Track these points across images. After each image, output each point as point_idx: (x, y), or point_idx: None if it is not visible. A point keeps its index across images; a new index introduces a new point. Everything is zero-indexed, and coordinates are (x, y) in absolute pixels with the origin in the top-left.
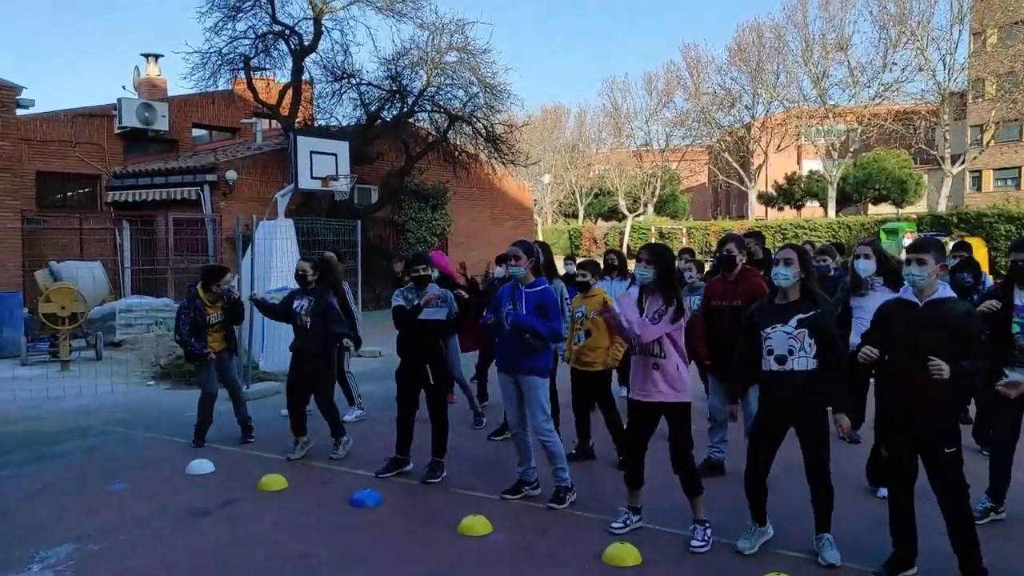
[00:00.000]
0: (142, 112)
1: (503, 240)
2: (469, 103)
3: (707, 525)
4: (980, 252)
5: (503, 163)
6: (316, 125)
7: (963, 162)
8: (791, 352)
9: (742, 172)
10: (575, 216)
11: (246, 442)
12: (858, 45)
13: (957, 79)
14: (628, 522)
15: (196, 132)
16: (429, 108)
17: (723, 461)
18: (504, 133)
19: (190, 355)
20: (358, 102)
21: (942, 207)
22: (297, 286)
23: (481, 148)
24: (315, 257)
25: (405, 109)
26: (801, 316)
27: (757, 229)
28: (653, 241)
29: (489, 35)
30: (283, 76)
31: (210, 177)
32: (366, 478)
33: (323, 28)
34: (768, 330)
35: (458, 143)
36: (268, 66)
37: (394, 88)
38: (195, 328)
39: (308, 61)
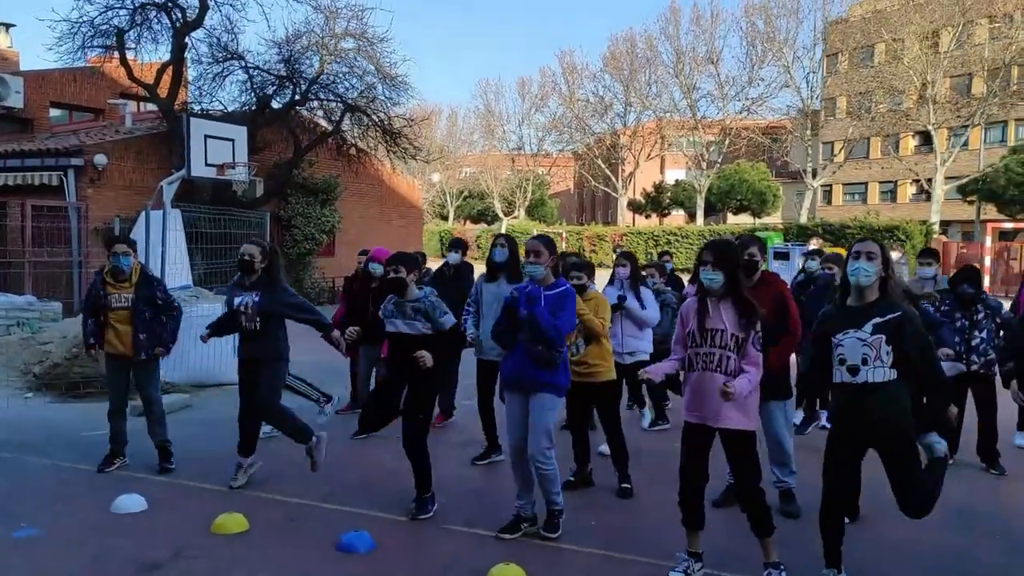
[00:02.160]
0: None
1: (392, 239)
2: (365, 93)
3: (782, 568)
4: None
5: (403, 158)
6: (194, 109)
7: (820, 176)
8: (865, 361)
9: (613, 179)
10: (444, 218)
11: (164, 469)
12: (727, 60)
13: (818, 96)
14: (690, 571)
15: (54, 112)
16: (322, 97)
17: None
18: (404, 127)
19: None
20: (246, 86)
21: (803, 218)
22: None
23: (378, 141)
24: (264, 241)
25: (297, 96)
26: (878, 320)
27: (751, 234)
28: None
29: (389, 23)
30: (159, 54)
31: (75, 161)
32: (342, 515)
33: (209, 2)
34: (840, 336)
35: (353, 135)
36: (145, 38)
37: (285, 73)
38: (92, 308)
39: (191, 39)
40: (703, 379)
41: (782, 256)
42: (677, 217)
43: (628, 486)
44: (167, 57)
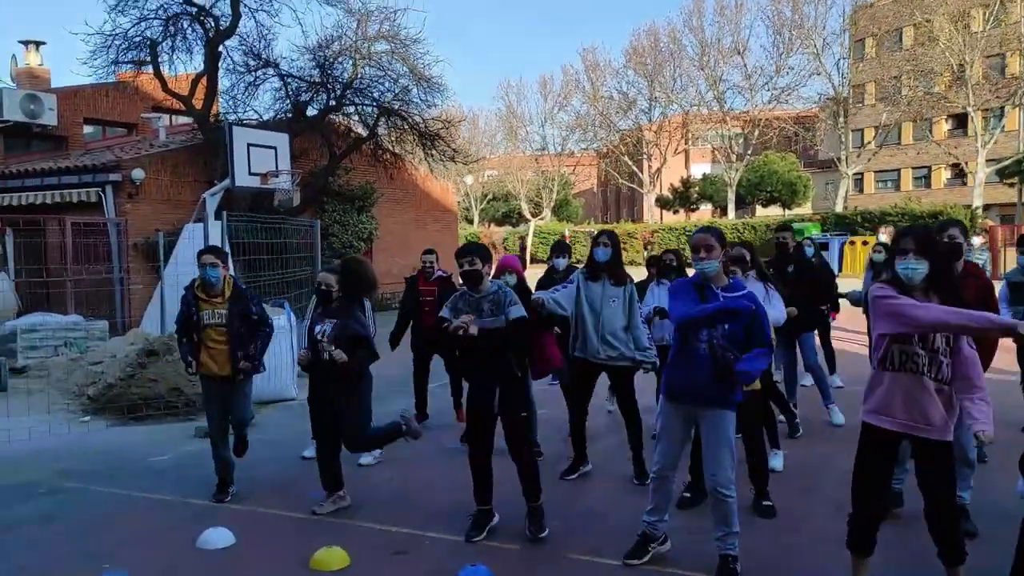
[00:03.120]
0: (27, 104)
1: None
2: (400, 96)
3: None
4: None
5: (441, 161)
6: (228, 119)
7: (855, 164)
8: None
9: (641, 175)
10: (469, 221)
11: (220, 500)
12: (754, 50)
13: (849, 82)
14: None
15: (87, 128)
16: (357, 101)
17: (902, 492)
18: (441, 129)
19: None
20: (280, 94)
21: (839, 207)
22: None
23: (415, 145)
24: (337, 266)
25: (332, 102)
26: None
27: (785, 222)
28: (916, 226)
29: (422, 23)
30: (192, 66)
31: (113, 177)
32: (450, 545)
33: (242, 9)
34: None
35: (390, 140)
36: (179, 49)
37: (319, 79)
38: (186, 326)
39: (225, 48)
40: (911, 384)
41: (822, 247)
42: (704, 212)
43: (770, 504)
44: (200, 68)
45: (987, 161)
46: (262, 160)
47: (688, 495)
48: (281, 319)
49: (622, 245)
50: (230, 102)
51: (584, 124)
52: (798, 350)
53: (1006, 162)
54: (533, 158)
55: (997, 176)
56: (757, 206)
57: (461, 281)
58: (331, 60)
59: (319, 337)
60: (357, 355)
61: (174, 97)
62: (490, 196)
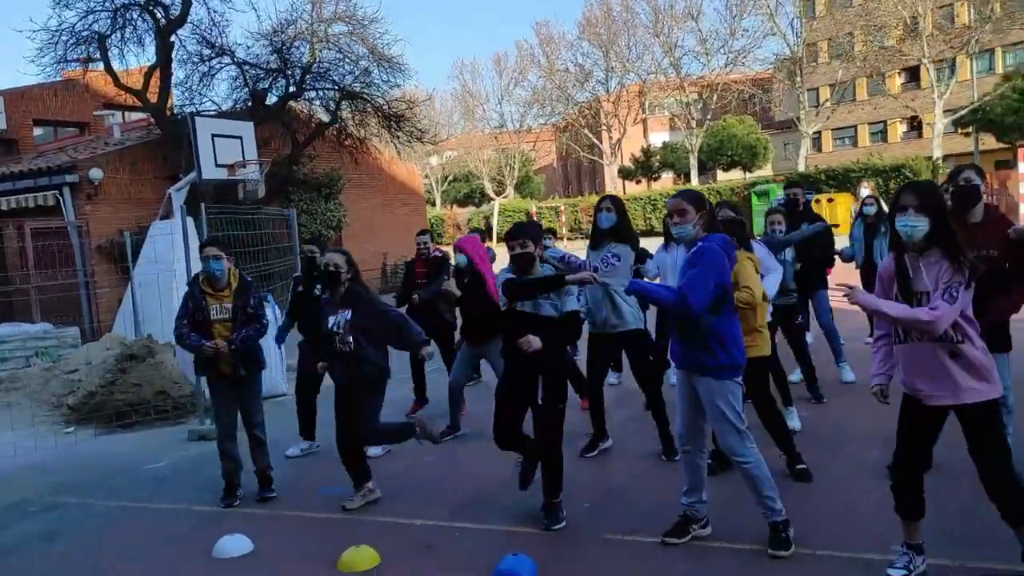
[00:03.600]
0: None
1: (397, 229)
2: (360, 78)
3: None
4: (846, 207)
5: (408, 142)
6: (181, 112)
7: (814, 123)
8: None
9: (602, 146)
10: (432, 204)
11: (265, 499)
12: (708, 14)
13: (804, 42)
14: (912, 567)
15: (37, 131)
16: (318, 86)
17: None
18: (405, 110)
19: (197, 359)
20: (238, 82)
21: (801, 167)
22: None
23: (381, 127)
24: (342, 249)
25: (292, 88)
26: None
27: (794, 179)
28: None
29: (379, 3)
30: (144, 58)
31: (69, 178)
32: (482, 534)
33: None
34: None
35: (353, 124)
36: (130, 41)
37: (277, 66)
38: (194, 324)
39: (178, 37)
40: (920, 352)
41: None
42: (666, 180)
43: (804, 467)
44: (153, 60)
45: (944, 112)
46: (228, 151)
47: (710, 462)
48: (267, 313)
49: (589, 219)
50: (185, 94)
51: (542, 99)
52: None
53: (962, 112)
54: (493, 136)
55: (953, 126)
56: (718, 171)
57: (511, 265)
58: (288, 45)
59: (336, 329)
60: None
61: (127, 92)
62: (451, 177)
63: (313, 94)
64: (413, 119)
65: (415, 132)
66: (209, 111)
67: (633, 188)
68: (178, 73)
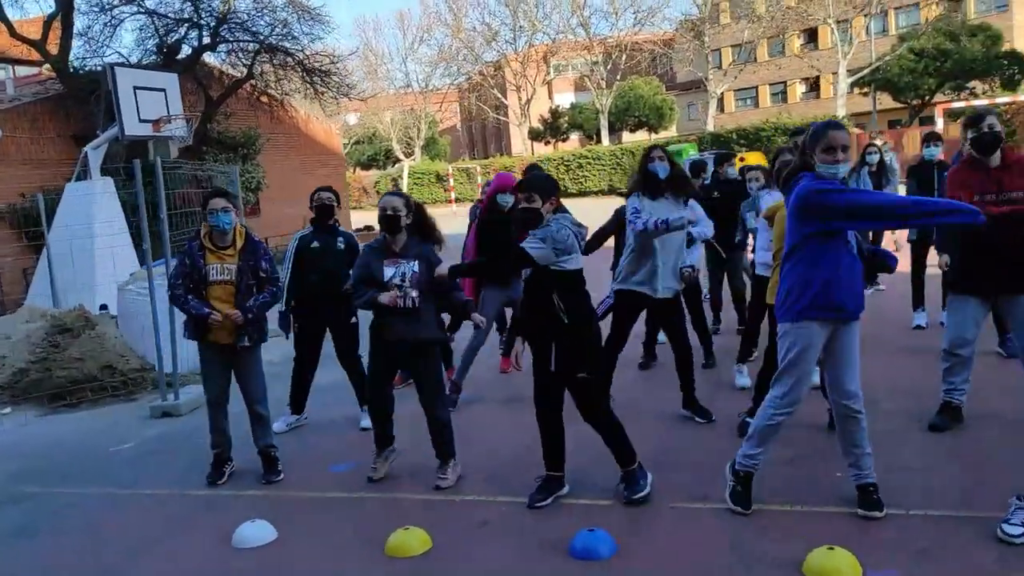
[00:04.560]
0: None
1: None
2: (281, 31)
3: None
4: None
5: (335, 98)
6: (86, 65)
7: (723, 83)
8: None
9: (514, 107)
10: None
11: (270, 481)
12: None
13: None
14: None
15: None
16: (234, 38)
17: (962, 406)
18: (328, 64)
19: (187, 323)
20: (146, 32)
21: (710, 127)
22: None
23: (307, 83)
24: (400, 191)
25: (206, 40)
26: None
27: (800, 127)
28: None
29: None
30: (43, 6)
31: None
32: (545, 510)
33: None
34: None
35: (273, 79)
36: None
37: (189, 15)
38: (192, 285)
39: None
40: None
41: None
42: (573, 141)
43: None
44: (52, 8)
45: (845, 71)
46: (151, 105)
47: (747, 420)
48: None
49: None
50: (86, 45)
51: (448, 57)
52: None
53: (863, 72)
54: (398, 97)
55: (851, 87)
56: (624, 132)
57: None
58: None
59: (399, 281)
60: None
61: (24, 42)
62: (355, 139)
63: (229, 47)
64: (339, 74)
65: (343, 88)
66: (115, 64)
67: (541, 149)
68: (79, 22)
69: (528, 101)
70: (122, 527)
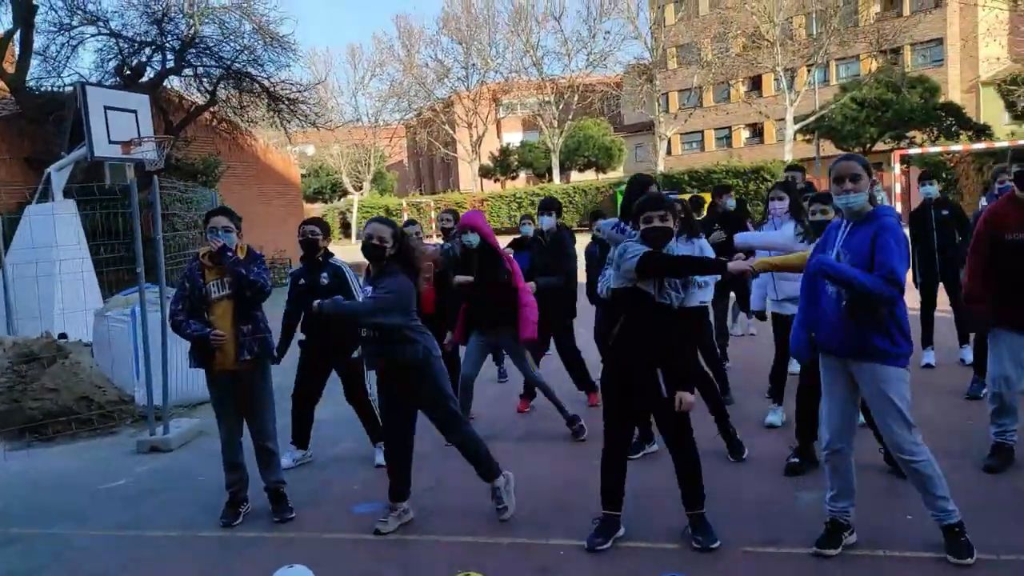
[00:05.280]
0: None
1: (275, 220)
2: (243, 57)
3: None
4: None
5: (302, 126)
6: (42, 86)
7: (673, 126)
8: None
9: (462, 143)
10: None
11: (284, 519)
12: (571, 14)
13: (664, 47)
14: None
15: None
16: (199, 63)
17: (1014, 447)
18: (296, 93)
19: (192, 350)
20: (107, 53)
21: (661, 168)
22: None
23: (273, 111)
24: (386, 219)
25: (169, 64)
26: None
27: (797, 164)
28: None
29: None
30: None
31: None
32: (606, 555)
33: None
34: None
35: (237, 105)
36: None
37: (154, 39)
38: (193, 307)
39: None
40: None
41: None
42: (520, 180)
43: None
44: (10, 25)
45: (781, 120)
46: (121, 126)
47: (796, 460)
48: None
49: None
50: (43, 64)
51: (400, 92)
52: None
53: (808, 120)
54: (348, 131)
55: (796, 134)
56: (572, 172)
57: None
58: (164, 16)
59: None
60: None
61: None
62: (302, 172)
63: (194, 71)
64: (307, 103)
65: (310, 116)
66: (74, 84)
67: (490, 186)
68: (38, 41)
69: (480, 138)
70: (143, 572)
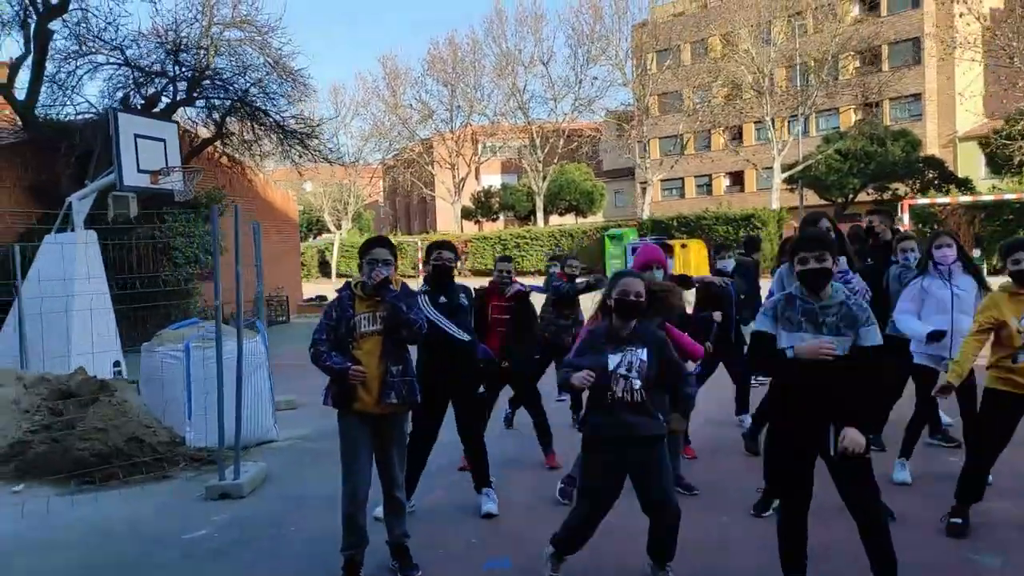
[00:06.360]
0: None
1: (272, 257)
2: (261, 89)
3: None
4: (701, 253)
5: (314, 160)
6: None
7: (658, 171)
8: None
9: (445, 184)
10: None
11: None
12: (558, 60)
13: (649, 93)
14: None
15: None
16: (212, 95)
17: None
18: (310, 126)
19: (331, 389)
20: (118, 82)
21: (645, 214)
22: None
23: (278, 144)
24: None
25: (180, 96)
26: None
27: (877, 208)
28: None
29: (282, 9)
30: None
31: None
32: None
33: None
34: None
35: (248, 138)
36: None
37: (170, 69)
38: (338, 341)
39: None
40: None
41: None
42: (500, 222)
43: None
44: (22, 50)
45: (767, 168)
46: (152, 154)
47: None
48: (257, 343)
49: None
50: (51, 92)
51: (382, 131)
52: None
53: (796, 169)
54: (328, 169)
55: (784, 182)
56: (553, 216)
57: (797, 282)
58: (178, 47)
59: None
60: None
61: None
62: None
63: (207, 102)
64: (321, 137)
65: (323, 151)
66: (85, 113)
67: (469, 228)
68: (50, 67)
69: (463, 179)
70: None
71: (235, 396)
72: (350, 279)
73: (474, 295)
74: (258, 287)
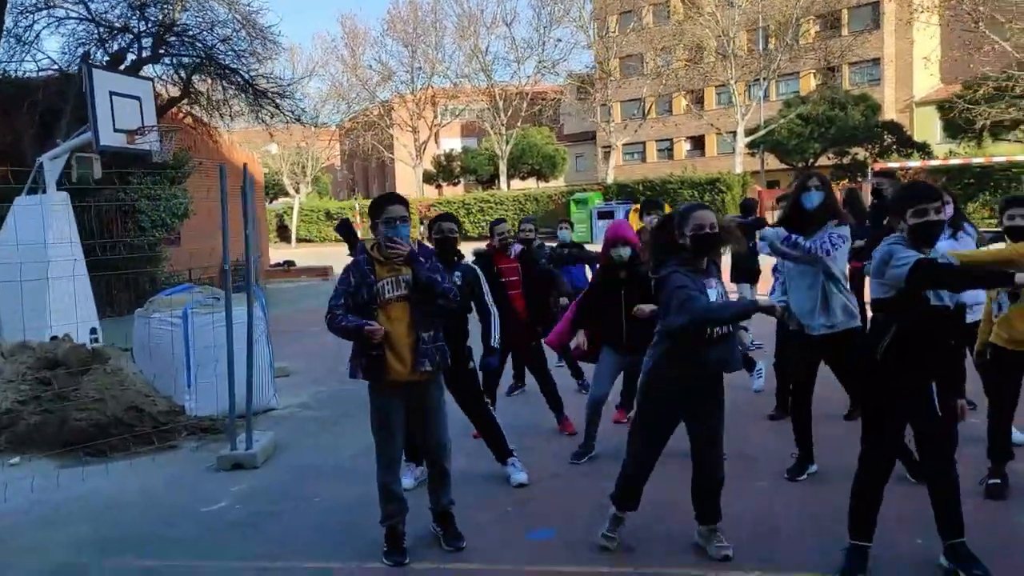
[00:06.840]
0: None
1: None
2: (222, 44)
3: None
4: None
5: (286, 121)
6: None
7: (622, 135)
8: None
9: (409, 147)
10: None
11: (457, 548)
12: (522, 21)
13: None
14: None
15: None
16: (182, 52)
17: None
18: (281, 86)
19: (357, 358)
20: (80, 39)
21: (610, 178)
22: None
23: (256, 106)
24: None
25: (145, 53)
26: None
27: (887, 170)
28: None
29: None
30: None
31: None
32: None
33: None
34: None
35: (213, 99)
36: None
37: (135, 25)
38: (358, 308)
39: None
40: None
41: (607, 216)
42: (460, 186)
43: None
44: None
45: (730, 132)
46: (127, 113)
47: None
48: (256, 310)
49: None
50: (9, 46)
51: (340, 92)
52: None
53: (759, 133)
54: (287, 131)
55: (748, 147)
56: (516, 179)
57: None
58: (144, 1)
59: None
60: None
61: None
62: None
63: (172, 60)
64: (292, 97)
65: (296, 111)
66: (47, 70)
67: (429, 192)
68: (5, 21)
69: (425, 143)
70: None
71: (246, 363)
72: (363, 241)
73: (476, 258)
74: (247, 249)
